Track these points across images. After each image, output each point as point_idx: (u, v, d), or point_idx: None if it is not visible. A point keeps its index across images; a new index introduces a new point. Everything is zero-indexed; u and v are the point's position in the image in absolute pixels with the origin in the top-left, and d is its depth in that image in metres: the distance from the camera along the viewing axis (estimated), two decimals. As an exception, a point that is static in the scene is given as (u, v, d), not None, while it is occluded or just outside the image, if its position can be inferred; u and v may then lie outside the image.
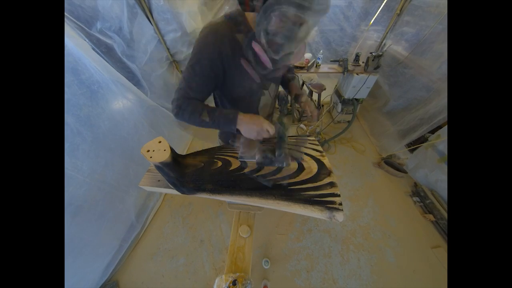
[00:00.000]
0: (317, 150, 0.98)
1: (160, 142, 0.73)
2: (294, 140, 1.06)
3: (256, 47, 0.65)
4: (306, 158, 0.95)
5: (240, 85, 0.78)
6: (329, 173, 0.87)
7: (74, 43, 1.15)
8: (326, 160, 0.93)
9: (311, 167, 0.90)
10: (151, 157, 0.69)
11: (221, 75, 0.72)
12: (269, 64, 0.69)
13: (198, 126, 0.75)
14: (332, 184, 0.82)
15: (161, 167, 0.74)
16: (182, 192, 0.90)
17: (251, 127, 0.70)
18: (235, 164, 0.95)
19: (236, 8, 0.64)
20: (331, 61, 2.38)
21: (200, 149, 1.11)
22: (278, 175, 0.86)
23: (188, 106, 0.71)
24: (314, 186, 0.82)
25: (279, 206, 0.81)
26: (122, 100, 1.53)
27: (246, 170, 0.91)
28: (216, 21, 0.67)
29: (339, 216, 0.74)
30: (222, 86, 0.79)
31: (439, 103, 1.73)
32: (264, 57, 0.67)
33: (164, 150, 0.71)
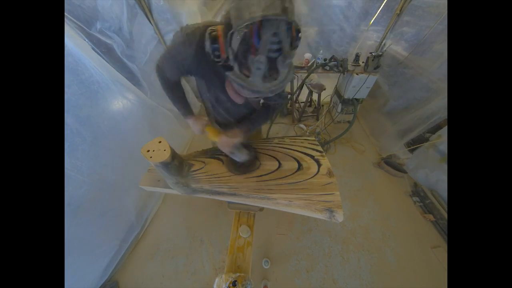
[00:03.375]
0: (317, 151, 0.98)
1: (160, 142, 0.73)
2: (293, 141, 1.06)
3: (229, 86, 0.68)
4: (305, 158, 0.95)
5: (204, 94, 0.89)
6: (329, 174, 0.87)
7: (74, 43, 1.15)
8: (326, 161, 0.93)
9: (311, 168, 0.90)
10: (151, 157, 0.69)
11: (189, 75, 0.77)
12: (239, 101, 0.74)
13: None
14: (331, 184, 0.83)
15: (161, 167, 0.74)
16: (182, 192, 0.90)
17: (191, 126, 0.91)
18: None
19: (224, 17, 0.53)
20: (323, 63, 2.29)
21: (200, 149, 1.11)
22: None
23: (162, 79, 0.80)
24: (314, 187, 0.82)
25: (278, 206, 0.82)
26: (122, 100, 1.53)
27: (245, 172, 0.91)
28: (196, 28, 0.63)
29: (338, 216, 0.74)
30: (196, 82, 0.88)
31: (439, 103, 1.73)
32: (235, 97, 0.71)
33: (164, 150, 0.71)
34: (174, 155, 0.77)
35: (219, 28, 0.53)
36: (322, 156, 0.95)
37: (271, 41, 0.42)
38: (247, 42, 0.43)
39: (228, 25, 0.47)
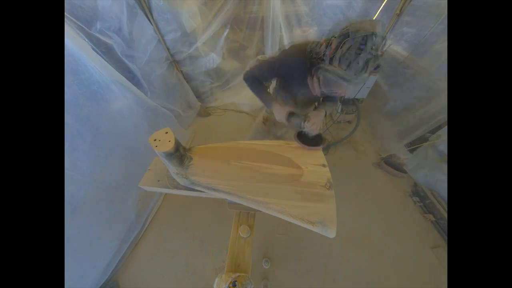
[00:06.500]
0: (320, 162, 0.96)
1: (166, 133, 0.76)
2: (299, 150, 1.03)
3: (313, 81, 0.91)
4: (307, 167, 0.92)
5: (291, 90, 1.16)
6: (328, 186, 0.85)
7: (74, 43, 1.15)
8: (327, 172, 0.90)
9: (310, 177, 0.88)
10: (156, 146, 0.73)
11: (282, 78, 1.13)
12: (318, 94, 0.96)
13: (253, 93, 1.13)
14: (329, 197, 0.81)
15: (164, 157, 0.77)
16: (182, 183, 0.90)
17: (276, 114, 1.06)
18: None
19: (319, 43, 0.85)
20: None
21: (200, 149, 1.11)
22: None
23: (252, 82, 1.08)
24: (310, 198, 0.81)
25: (270, 211, 0.79)
26: (122, 100, 1.53)
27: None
28: (299, 45, 0.94)
29: (331, 232, 0.72)
30: (281, 83, 1.19)
31: (439, 103, 1.73)
32: (317, 89, 0.92)
33: (169, 141, 0.74)
34: (178, 147, 0.80)
35: (323, 40, 0.82)
36: (324, 166, 0.93)
37: (372, 46, 0.64)
38: (356, 45, 0.65)
39: (340, 36, 0.70)
